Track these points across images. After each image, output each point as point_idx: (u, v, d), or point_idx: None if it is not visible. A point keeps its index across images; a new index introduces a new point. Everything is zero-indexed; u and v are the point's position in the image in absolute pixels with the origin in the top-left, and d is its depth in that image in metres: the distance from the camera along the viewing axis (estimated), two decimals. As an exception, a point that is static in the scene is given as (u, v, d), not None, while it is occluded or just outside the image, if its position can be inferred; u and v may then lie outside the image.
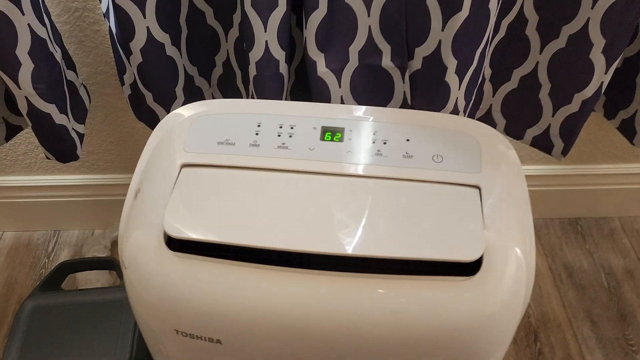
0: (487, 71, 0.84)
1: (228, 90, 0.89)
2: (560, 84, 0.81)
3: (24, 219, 1.17)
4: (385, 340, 0.45)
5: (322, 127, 0.54)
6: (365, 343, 0.45)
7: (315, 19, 0.71)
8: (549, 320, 1.05)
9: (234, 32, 0.80)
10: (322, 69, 0.76)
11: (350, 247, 0.45)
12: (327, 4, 0.70)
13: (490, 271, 0.45)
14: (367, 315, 0.45)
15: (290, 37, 0.77)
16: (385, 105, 0.80)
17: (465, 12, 0.66)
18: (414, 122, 0.55)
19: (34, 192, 1.12)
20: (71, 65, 0.85)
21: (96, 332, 0.78)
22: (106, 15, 0.78)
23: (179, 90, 0.84)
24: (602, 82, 0.77)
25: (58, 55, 0.79)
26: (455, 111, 0.78)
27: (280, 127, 0.54)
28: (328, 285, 0.45)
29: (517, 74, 0.84)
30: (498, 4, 0.70)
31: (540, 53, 0.80)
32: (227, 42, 0.82)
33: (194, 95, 0.87)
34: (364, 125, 0.54)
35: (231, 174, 0.51)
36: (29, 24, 0.72)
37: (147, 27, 0.74)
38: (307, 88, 0.83)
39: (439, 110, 0.77)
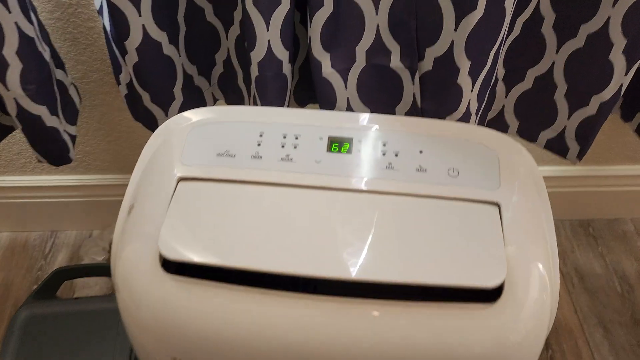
0: (500, 71, 0.80)
1: (229, 89, 0.85)
2: (577, 85, 0.77)
3: (19, 219, 1.14)
4: (397, 372, 0.42)
5: (329, 137, 0.50)
6: (375, 373, 0.42)
7: (321, 17, 0.67)
8: (560, 326, 1.01)
9: (235, 30, 0.76)
10: (328, 70, 0.72)
11: (359, 271, 0.42)
12: (332, 1, 0.66)
13: (512, 297, 0.42)
14: (378, 344, 0.41)
15: (294, 34, 0.73)
16: (393, 107, 0.76)
17: (480, 11, 0.62)
18: (426, 131, 0.51)
19: (30, 192, 1.08)
20: (60, 64, 0.81)
21: (93, 342, 0.75)
22: (100, 12, 0.74)
23: (177, 90, 0.80)
24: (622, 84, 0.74)
25: (47, 55, 0.76)
26: (467, 114, 0.74)
27: (284, 138, 0.50)
28: (335, 311, 0.42)
29: (532, 74, 0.80)
30: (514, 2, 0.66)
31: (557, 53, 0.76)
32: (227, 39, 0.79)
33: (193, 95, 0.83)
34: (374, 136, 0.50)
35: (231, 188, 0.48)
36: (16, 23, 0.68)
37: (143, 26, 0.70)
38: (311, 87, 0.79)
39: (450, 113, 0.73)
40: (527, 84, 0.82)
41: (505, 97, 0.84)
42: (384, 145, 0.50)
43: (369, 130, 0.51)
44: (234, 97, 0.86)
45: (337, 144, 0.50)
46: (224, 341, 0.43)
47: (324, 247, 0.43)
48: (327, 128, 0.51)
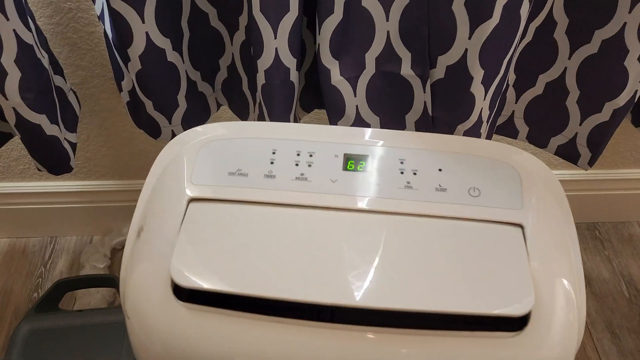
0: (510, 76, 0.79)
1: (233, 95, 0.83)
2: (590, 92, 0.75)
3: (18, 225, 1.12)
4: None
5: (345, 154, 0.49)
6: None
7: (330, 24, 0.65)
8: (568, 332, 1.00)
9: (240, 35, 0.74)
10: (337, 78, 0.70)
11: (379, 299, 0.40)
12: (342, 8, 0.64)
13: (540, 324, 0.40)
14: (399, 374, 0.40)
15: (301, 40, 0.71)
16: (403, 115, 0.75)
17: (495, 19, 0.60)
18: (444, 148, 0.49)
19: (29, 198, 1.06)
20: (59, 70, 0.79)
21: (97, 357, 0.73)
22: (101, 17, 0.72)
23: (181, 97, 0.78)
24: (637, 91, 0.72)
25: (45, 61, 0.74)
26: (479, 122, 0.72)
27: (298, 155, 0.49)
28: (354, 341, 0.40)
29: (543, 79, 0.79)
30: (529, 8, 0.64)
31: (569, 58, 0.75)
32: (232, 45, 0.76)
33: (196, 101, 0.81)
34: (390, 153, 0.49)
35: (244, 210, 0.46)
36: (14, 30, 0.66)
37: (147, 33, 0.68)
38: (317, 92, 0.78)
39: (462, 121, 0.71)
40: (538, 89, 0.80)
41: (516, 102, 0.83)
42: (402, 162, 0.48)
43: (385, 146, 0.49)
44: (238, 103, 0.84)
45: (353, 162, 0.48)
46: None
47: (341, 273, 0.42)
48: (341, 145, 0.49)
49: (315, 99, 0.82)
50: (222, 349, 0.41)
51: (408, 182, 0.47)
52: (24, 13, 0.67)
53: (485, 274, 0.42)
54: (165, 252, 0.44)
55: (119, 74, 0.77)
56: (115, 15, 0.66)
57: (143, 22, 0.67)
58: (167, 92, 0.76)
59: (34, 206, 1.08)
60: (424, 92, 0.71)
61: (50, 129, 0.75)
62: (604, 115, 0.76)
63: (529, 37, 0.74)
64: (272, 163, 0.48)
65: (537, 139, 0.85)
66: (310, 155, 0.48)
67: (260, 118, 0.77)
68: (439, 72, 0.68)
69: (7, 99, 0.69)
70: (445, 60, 0.66)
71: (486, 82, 0.67)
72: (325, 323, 0.41)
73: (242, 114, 0.85)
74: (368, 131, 0.51)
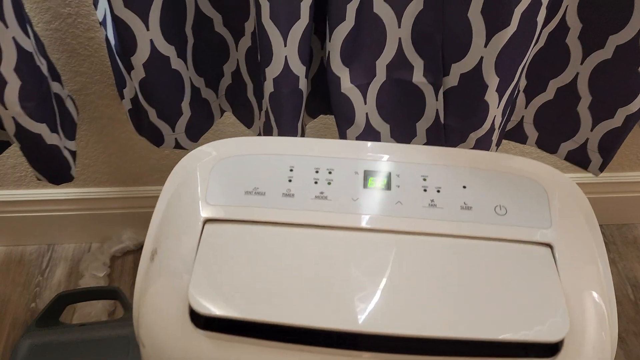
0: (521, 82, 0.77)
1: (238, 102, 0.81)
2: (603, 97, 0.74)
3: (15, 233, 1.09)
4: None
5: (365, 171, 0.47)
6: None
7: (341, 31, 0.63)
8: (575, 337, 1.00)
9: (246, 42, 0.72)
10: (347, 85, 0.69)
11: (407, 325, 0.39)
12: (354, 15, 0.62)
13: (573, 349, 0.39)
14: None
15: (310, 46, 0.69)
16: (414, 123, 0.73)
17: (513, 27, 0.59)
18: (467, 164, 0.48)
19: (25, 206, 1.04)
20: (56, 76, 0.77)
21: (101, 374, 0.72)
22: (102, 23, 0.70)
23: (185, 105, 0.76)
24: (651, 96, 0.71)
25: (44, 68, 0.71)
26: (491, 129, 0.71)
27: (317, 172, 0.47)
28: (382, 369, 0.39)
29: (554, 84, 0.77)
30: (545, 15, 0.63)
31: (582, 63, 0.73)
32: (237, 51, 0.74)
33: (200, 109, 0.79)
34: (412, 169, 0.47)
35: (263, 231, 0.44)
36: (13, 38, 0.64)
37: (151, 40, 0.66)
38: (324, 98, 0.76)
39: (475, 129, 0.70)
40: (548, 94, 0.79)
41: (525, 107, 0.82)
42: (424, 180, 0.46)
43: (406, 162, 0.48)
44: (242, 110, 0.82)
45: (373, 179, 0.46)
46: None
47: (367, 298, 0.40)
48: (361, 161, 0.48)
49: (321, 104, 0.80)
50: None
51: (432, 201, 0.45)
52: (23, 20, 0.65)
53: (517, 297, 0.40)
54: (181, 276, 0.42)
55: (120, 82, 0.74)
56: (118, 22, 0.64)
57: (147, 29, 0.65)
58: (171, 100, 0.74)
59: (31, 214, 1.05)
60: (436, 100, 0.69)
61: (50, 138, 0.72)
62: (617, 121, 0.75)
63: (541, 43, 0.73)
64: (290, 181, 0.46)
65: (547, 145, 0.84)
66: (330, 173, 0.47)
67: (267, 125, 0.75)
68: (452, 80, 0.66)
69: (6, 109, 0.67)
70: (460, 68, 0.65)
71: (501, 90, 0.66)
72: (352, 351, 0.39)
73: (247, 121, 0.83)
74: (387, 146, 0.49)
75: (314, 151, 0.48)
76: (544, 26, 0.70)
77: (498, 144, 0.81)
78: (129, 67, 0.69)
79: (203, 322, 0.41)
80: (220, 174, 0.47)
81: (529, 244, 0.43)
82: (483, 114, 0.67)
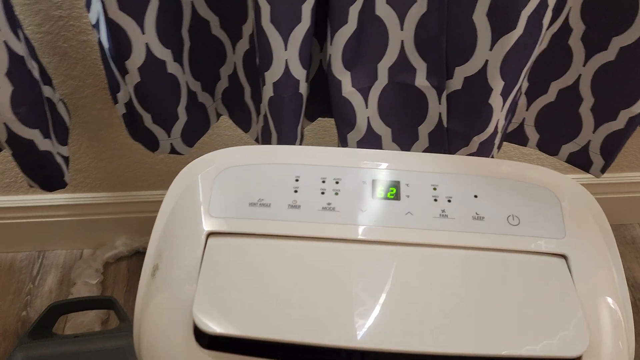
0: (523, 84, 0.76)
1: (234, 106, 0.80)
2: (606, 99, 0.73)
3: (4, 240, 1.07)
4: None
5: (373, 180, 0.45)
6: None
7: (343, 34, 0.62)
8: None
9: (244, 44, 0.70)
10: (348, 89, 0.67)
11: (422, 342, 0.37)
12: (357, 17, 0.61)
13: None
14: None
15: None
16: (416, 127, 0.72)
17: (519, 30, 0.57)
18: (476, 171, 0.46)
19: (15, 212, 1.01)
20: (47, 80, 0.74)
21: (97, 387, 0.70)
22: (95, 26, 0.68)
23: (181, 109, 0.74)
24: (654, 99, 0.70)
25: (36, 72, 0.69)
26: (494, 133, 0.70)
27: (323, 182, 0.45)
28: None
29: (556, 86, 0.76)
30: (550, 17, 0.61)
31: (584, 65, 0.72)
32: (234, 54, 0.73)
33: (197, 113, 0.77)
34: (421, 178, 0.46)
35: (270, 244, 0.42)
36: (5, 42, 0.61)
37: (147, 44, 0.64)
38: (323, 101, 0.75)
39: (478, 133, 0.69)
40: (550, 96, 0.78)
41: (527, 109, 0.81)
42: (434, 189, 0.45)
43: (414, 171, 0.46)
44: (239, 114, 0.80)
45: (382, 189, 0.45)
46: None
47: (379, 314, 0.39)
48: (368, 170, 0.46)
49: (320, 107, 0.78)
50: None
51: (443, 211, 0.44)
52: (14, 23, 0.62)
53: (534, 312, 0.39)
54: (185, 293, 0.40)
55: (114, 86, 0.72)
56: (112, 26, 0.61)
57: (143, 32, 0.63)
58: (167, 105, 0.72)
59: (20, 220, 1.03)
60: (439, 103, 0.68)
61: (43, 144, 0.70)
62: (619, 123, 0.74)
63: (543, 44, 0.72)
64: (296, 192, 0.45)
65: (548, 147, 0.83)
66: (337, 182, 0.45)
67: (265, 130, 0.73)
68: (455, 83, 0.65)
69: (-2, 114, 0.65)
70: (464, 72, 0.63)
71: (505, 93, 0.65)
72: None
73: (244, 125, 0.81)
74: (395, 154, 0.48)
75: (319, 160, 0.47)
76: (547, 28, 0.69)
77: (499, 147, 0.80)
78: (124, 71, 0.67)
79: (208, 340, 0.40)
80: (223, 184, 0.45)
81: (543, 255, 0.42)
82: (487, 117, 0.66)
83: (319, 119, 0.83)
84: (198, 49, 0.72)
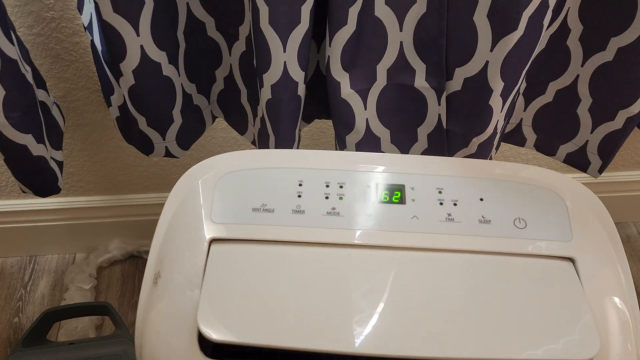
0: (522, 84, 0.76)
1: (230, 108, 0.79)
2: (603, 99, 0.73)
3: (-6, 246, 1.05)
4: None
5: (378, 184, 0.45)
6: None
7: (342, 36, 0.61)
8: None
9: (240, 46, 0.69)
10: (347, 91, 0.66)
11: (431, 347, 0.37)
12: (356, 19, 0.60)
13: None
14: None
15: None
16: (415, 128, 0.71)
17: (520, 31, 0.57)
18: (481, 174, 0.46)
19: (6, 217, 0.99)
20: (41, 83, 0.73)
21: (93, 395, 0.68)
22: (88, 29, 0.66)
23: (176, 112, 0.73)
24: (652, 98, 0.70)
25: (29, 76, 0.68)
26: (494, 134, 0.70)
27: (327, 187, 0.44)
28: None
29: (553, 87, 0.76)
30: (550, 18, 0.61)
31: (582, 65, 0.72)
32: (230, 55, 0.72)
33: (192, 116, 0.76)
34: (426, 181, 0.45)
35: (274, 250, 0.42)
36: None
37: (142, 46, 0.63)
38: (320, 102, 0.74)
39: (477, 134, 0.68)
40: (547, 97, 0.78)
41: (524, 110, 0.80)
42: (440, 192, 0.44)
43: (419, 174, 0.46)
44: (235, 116, 0.79)
45: (387, 192, 0.44)
46: None
47: (386, 320, 0.38)
48: (372, 174, 0.46)
49: (317, 109, 0.78)
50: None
51: (449, 214, 0.43)
52: (6, 26, 0.61)
53: (543, 315, 0.39)
54: (188, 301, 0.39)
55: (107, 89, 0.71)
56: (107, 28, 0.60)
57: (138, 34, 0.62)
58: (162, 108, 0.71)
59: (11, 225, 1.01)
60: (439, 104, 0.67)
61: (36, 149, 0.69)
62: (617, 123, 0.74)
63: (541, 45, 0.71)
64: (299, 196, 0.44)
65: (546, 147, 0.83)
66: (341, 187, 0.44)
67: (262, 132, 0.72)
68: (455, 85, 0.65)
69: (-11, 120, 0.63)
70: (464, 73, 0.63)
71: (505, 94, 0.64)
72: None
73: (240, 127, 0.80)
74: (399, 157, 0.47)
75: (323, 164, 0.46)
76: (547, 28, 0.69)
77: (497, 148, 0.79)
78: (118, 74, 0.65)
79: (212, 348, 0.39)
80: (225, 190, 0.44)
81: (551, 259, 0.42)
82: (487, 118, 0.66)
83: (316, 120, 0.82)
84: (193, 51, 0.71)
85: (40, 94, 0.73)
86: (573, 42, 0.71)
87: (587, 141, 0.78)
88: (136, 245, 1.06)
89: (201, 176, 0.45)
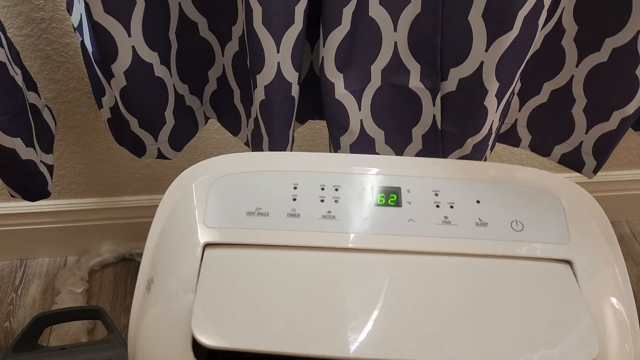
0: (516, 85, 0.76)
1: (223, 109, 0.78)
2: (598, 100, 0.73)
3: (-16, 249, 1.04)
4: None
5: (374, 187, 0.44)
6: None
7: (336, 36, 0.60)
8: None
9: (233, 46, 0.69)
10: (341, 91, 0.66)
11: (428, 352, 0.36)
12: (350, 19, 0.59)
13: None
14: None
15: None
16: (410, 129, 0.71)
17: (515, 31, 0.57)
18: (478, 176, 0.46)
19: (-5, 221, 0.98)
20: (32, 86, 0.72)
21: (86, 401, 0.67)
22: (78, 29, 0.65)
23: (168, 113, 0.72)
24: (646, 99, 0.70)
25: (19, 78, 0.67)
26: (489, 134, 0.69)
27: (322, 190, 0.44)
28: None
29: (548, 87, 0.76)
30: (545, 18, 0.61)
31: (577, 66, 0.72)
32: (223, 56, 0.71)
33: (184, 117, 0.76)
34: (423, 184, 0.45)
35: (268, 255, 0.41)
36: None
37: (133, 47, 0.62)
38: (314, 103, 0.73)
39: (472, 135, 0.68)
40: (542, 97, 0.77)
41: (519, 110, 0.80)
42: (436, 195, 0.44)
43: (415, 177, 0.45)
44: (228, 117, 0.78)
45: (383, 195, 0.44)
46: None
47: (383, 325, 0.38)
48: (368, 176, 0.45)
49: (311, 109, 0.77)
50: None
51: (446, 217, 0.43)
52: (-5, 28, 0.60)
53: (542, 319, 0.38)
54: (182, 306, 0.39)
55: (98, 90, 0.70)
56: (97, 29, 0.59)
57: (129, 35, 0.61)
58: (154, 109, 0.70)
59: (1, 228, 1.00)
60: (434, 105, 0.67)
61: (25, 153, 0.68)
62: (612, 123, 0.74)
63: (536, 45, 0.71)
64: (294, 200, 0.43)
65: (540, 148, 0.83)
66: (336, 190, 0.44)
67: (256, 133, 0.71)
68: (450, 85, 0.64)
69: (-23, 123, 0.62)
70: (458, 73, 0.63)
71: (500, 95, 0.64)
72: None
73: (233, 128, 0.79)
74: (395, 159, 0.47)
75: (318, 167, 0.45)
76: (541, 29, 0.68)
77: (492, 148, 0.79)
78: (109, 75, 0.65)
79: (206, 354, 0.38)
80: (219, 193, 0.44)
81: (548, 262, 0.41)
82: (482, 119, 0.66)
83: (309, 121, 0.81)
84: (186, 52, 0.70)
85: (31, 97, 0.72)
86: (568, 43, 0.70)
87: (582, 142, 0.78)
88: (128, 247, 1.05)
89: (195, 179, 0.45)
